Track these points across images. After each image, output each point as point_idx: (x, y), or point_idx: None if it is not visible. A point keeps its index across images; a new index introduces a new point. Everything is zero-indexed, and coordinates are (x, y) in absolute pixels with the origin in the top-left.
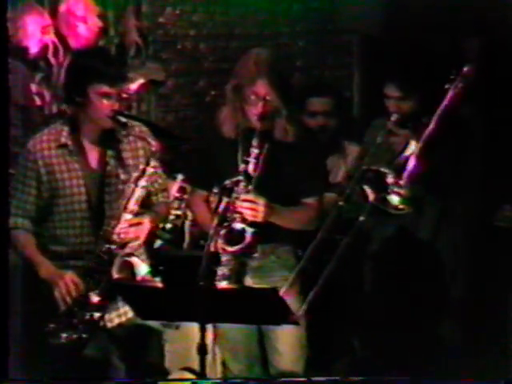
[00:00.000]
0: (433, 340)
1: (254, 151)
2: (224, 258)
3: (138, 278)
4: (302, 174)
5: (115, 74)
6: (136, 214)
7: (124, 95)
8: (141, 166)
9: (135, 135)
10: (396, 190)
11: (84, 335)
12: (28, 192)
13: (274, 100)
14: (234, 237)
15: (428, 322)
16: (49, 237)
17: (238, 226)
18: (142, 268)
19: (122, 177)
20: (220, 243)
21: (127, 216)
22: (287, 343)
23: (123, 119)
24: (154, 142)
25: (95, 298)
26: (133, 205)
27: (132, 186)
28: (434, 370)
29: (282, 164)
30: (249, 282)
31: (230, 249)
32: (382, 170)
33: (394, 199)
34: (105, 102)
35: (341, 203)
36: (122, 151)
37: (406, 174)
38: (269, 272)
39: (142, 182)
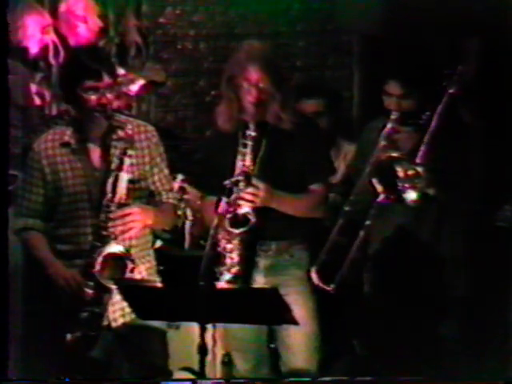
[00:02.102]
0: (433, 340)
1: (252, 134)
2: (232, 258)
3: (128, 268)
4: (304, 160)
5: (98, 68)
6: (123, 206)
7: (113, 88)
8: (119, 156)
9: (114, 124)
10: (409, 184)
11: (91, 333)
12: (36, 192)
13: (267, 86)
14: (239, 220)
15: (428, 321)
16: (53, 236)
17: (242, 209)
18: (116, 248)
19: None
20: (226, 227)
21: (113, 208)
22: (301, 342)
23: (109, 112)
24: (130, 131)
25: (89, 292)
26: (118, 197)
27: (112, 177)
28: (434, 370)
29: (282, 152)
30: (262, 280)
31: (236, 231)
32: (394, 155)
33: (412, 195)
34: (91, 96)
35: (347, 208)
36: (125, 150)
37: (419, 160)
38: (282, 271)
39: (123, 173)
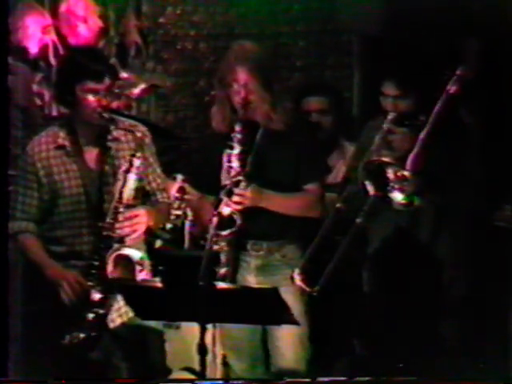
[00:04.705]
0: (432, 340)
1: (237, 136)
2: (223, 258)
3: (137, 269)
4: (298, 160)
5: (100, 70)
6: (130, 208)
7: (112, 90)
8: (128, 158)
9: (120, 128)
10: (398, 186)
11: (93, 334)
12: (30, 195)
13: (255, 86)
14: (225, 222)
15: (427, 321)
16: (49, 237)
17: (226, 210)
18: (135, 254)
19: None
20: (212, 230)
21: (121, 210)
22: (290, 343)
23: (110, 115)
24: (139, 134)
25: (96, 296)
26: (126, 198)
27: (121, 179)
28: (434, 370)
29: (274, 152)
30: (252, 280)
31: (222, 233)
32: (384, 160)
33: (398, 196)
34: (91, 98)
35: (338, 205)
36: (120, 150)
37: (408, 166)
38: (273, 271)
39: (132, 175)
